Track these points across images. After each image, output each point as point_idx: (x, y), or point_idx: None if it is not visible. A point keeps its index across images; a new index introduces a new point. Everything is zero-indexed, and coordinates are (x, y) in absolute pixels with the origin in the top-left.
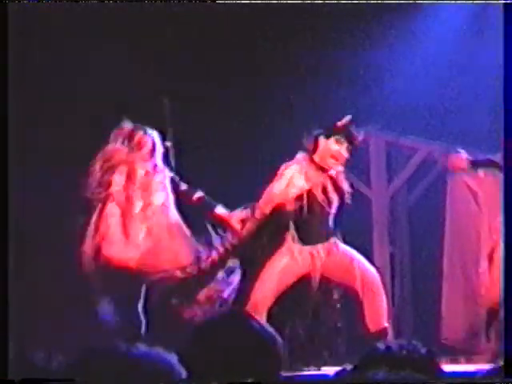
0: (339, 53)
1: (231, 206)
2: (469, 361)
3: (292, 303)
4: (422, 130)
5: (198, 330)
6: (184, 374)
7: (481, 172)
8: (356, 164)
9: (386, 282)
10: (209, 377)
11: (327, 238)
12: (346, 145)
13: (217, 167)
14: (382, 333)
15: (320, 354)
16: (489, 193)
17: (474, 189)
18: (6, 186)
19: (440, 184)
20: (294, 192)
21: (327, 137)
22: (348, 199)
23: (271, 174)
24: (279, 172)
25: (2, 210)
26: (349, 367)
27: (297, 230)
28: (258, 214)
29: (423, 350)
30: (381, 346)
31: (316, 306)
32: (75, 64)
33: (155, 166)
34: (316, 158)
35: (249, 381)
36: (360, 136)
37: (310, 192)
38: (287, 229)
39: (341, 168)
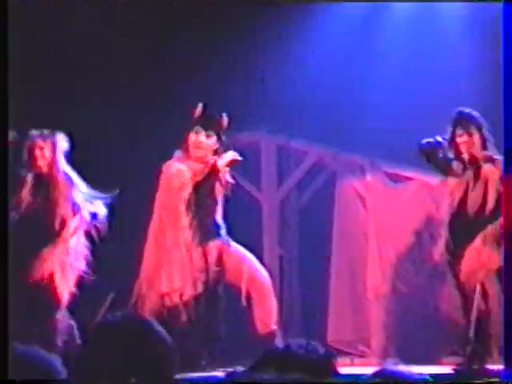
0: (232, 55)
1: (121, 213)
2: (359, 363)
3: (183, 303)
4: (313, 133)
5: (92, 331)
6: (64, 374)
7: (368, 176)
8: (246, 167)
9: (275, 284)
10: (97, 378)
11: (218, 234)
12: (203, 132)
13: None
14: (271, 335)
15: (208, 356)
16: (376, 197)
17: (361, 193)
18: (6, 186)
19: (329, 188)
20: (180, 182)
21: (191, 130)
22: (229, 191)
23: (153, 173)
24: (163, 170)
25: (2, 210)
26: (239, 369)
27: (189, 223)
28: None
29: (322, 351)
30: (280, 344)
31: (207, 306)
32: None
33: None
34: (191, 153)
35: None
36: (222, 118)
37: (195, 185)
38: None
39: (220, 161)
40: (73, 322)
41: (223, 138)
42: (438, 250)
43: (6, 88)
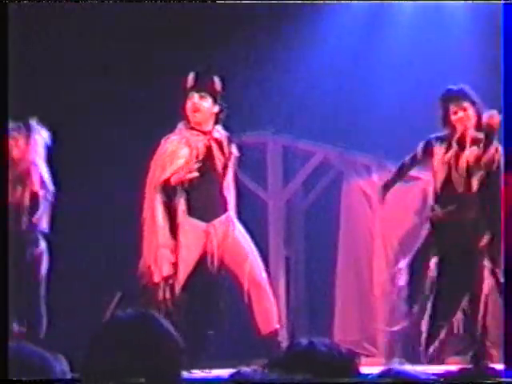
0: (238, 57)
1: (113, 185)
2: (366, 362)
3: (187, 292)
4: (319, 133)
5: (101, 329)
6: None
7: (375, 176)
8: (252, 167)
9: (281, 285)
10: (105, 377)
11: (224, 210)
12: (196, 95)
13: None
14: (273, 334)
15: (213, 354)
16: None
17: (367, 192)
18: (6, 186)
19: (335, 187)
20: (180, 163)
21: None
22: (235, 164)
23: (153, 149)
24: (160, 147)
25: (2, 210)
26: (243, 369)
27: (189, 203)
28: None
29: (344, 349)
30: (303, 341)
31: (212, 296)
32: (74, 63)
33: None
34: (190, 120)
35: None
36: (214, 80)
37: (197, 159)
38: (178, 204)
39: (223, 131)
40: None
41: (219, 101)
42: None
43: (5, 88)
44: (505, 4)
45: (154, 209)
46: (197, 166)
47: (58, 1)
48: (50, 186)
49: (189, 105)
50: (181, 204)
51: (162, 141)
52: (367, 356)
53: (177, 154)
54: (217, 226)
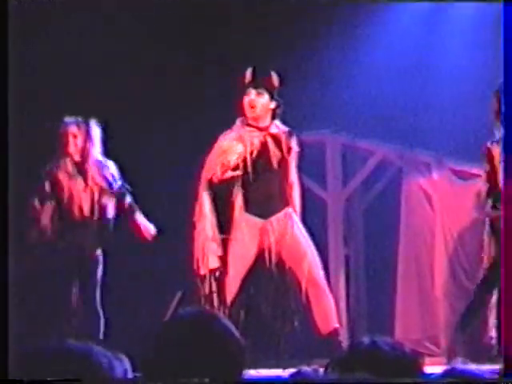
0: (297, 56)
1: (171, 181)
2: (428, 362)
3: (245, 291)
4: (378, 132)
5: (163, 328)
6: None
7: (435, 174)
8: (311, 166)
9: (340, 284)
10: (167, 376)
11: (282, 206)
12: (253, 91)
13: (153, 139)
14: (334, 334)
15: (275, 354)
16: (442, 195)
17: (428, 191)
18: (7, 186)
19: (395, 186)
20: (234, 159)
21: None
22: (295, 159)
23: (209, 145)
24: (216, 143)
25: (2, 210)
26: (304, 368)
27: (246, 199)
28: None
29: (408, 349)
30: (366, 340)
31: (271, 294)
32: (74, 61)
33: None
34: (248, 116)
35: (207, 381)
36: (271, 76)
37: (252, 156)
38: (235, 200)
39: (283, 126)
40: None
41: (276, 96)
42: None
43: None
44: (505, 4)
45: (203, 203)
46: (252, 162)
47: None
48: (118, 181)
49: (246, 100)
50: (238, 200)
51: (219, 137)
52: (429, 356)
53: (231, 150)
54: (274, 224)
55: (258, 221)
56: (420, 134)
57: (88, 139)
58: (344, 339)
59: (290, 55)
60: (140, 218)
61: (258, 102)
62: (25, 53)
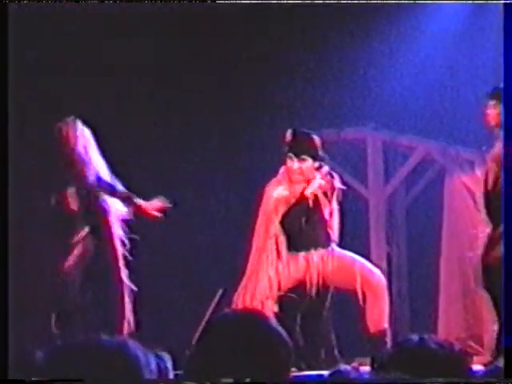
0: (338, 53)
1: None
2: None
3: (289, 307)
4: (420, 128)
5: (210, 327)
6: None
7: (479, 172)
8: (353, 164)
9: None
10: (214, 375)
11: (323, 245)
12: (295, 159)
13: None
14: (382, 334)
15: (315, 355)
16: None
17: (471, 188)
18: (6, 186)
19: (438, 183)
20: (282, 208)
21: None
22: (339, 196)
23: (258, 189)
24: (265, 193)
25: (2, 210)
26: (344, 367)
27: (288, 237)
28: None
29: (456, 348)
30: (414, 337)
31: (311, 310)
32: (74, 64)
33: None
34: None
35: (255, 381)
36: (313, 139)
37: (298, 198)
38: (277, 237)
39: (325, 168)
40: None
41: (320, 154)
42: None
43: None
44: (505, 4)
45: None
46: (298, 207)
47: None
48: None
49: (288, 163)
50: (282, 241)
51: (268, 187)
52: (473, 354)
53: (280, 199)
54: (313, 254)
55: (300, 254)
56: (463, 130)
57: (83, 138)
58: (388, 339)
59: (329, 54)
60: (140, 201)
61: (301, 168)
62: (25, 53)
